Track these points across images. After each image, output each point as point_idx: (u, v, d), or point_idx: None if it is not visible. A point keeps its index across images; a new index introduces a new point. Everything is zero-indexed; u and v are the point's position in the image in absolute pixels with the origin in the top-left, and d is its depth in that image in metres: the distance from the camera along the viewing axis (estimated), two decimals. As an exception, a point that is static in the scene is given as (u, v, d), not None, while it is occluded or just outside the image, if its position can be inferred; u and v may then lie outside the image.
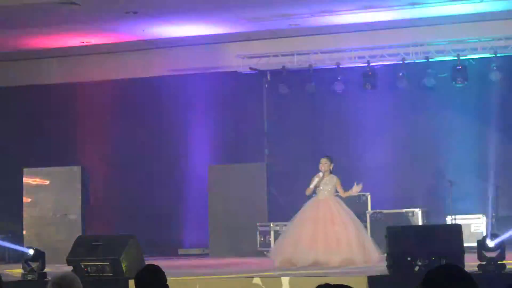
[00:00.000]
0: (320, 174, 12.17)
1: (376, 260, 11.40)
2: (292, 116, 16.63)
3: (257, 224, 15.44)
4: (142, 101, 17.52)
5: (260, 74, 16.58)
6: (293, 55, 16.22)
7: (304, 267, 11.41)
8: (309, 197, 12.29)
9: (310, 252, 11.66)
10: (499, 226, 13.96)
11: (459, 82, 15.47)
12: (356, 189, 12.14)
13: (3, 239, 15.91)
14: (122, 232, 13.37)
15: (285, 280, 9.39)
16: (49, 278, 10.28)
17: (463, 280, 3.51)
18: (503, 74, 15.17)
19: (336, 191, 12.26)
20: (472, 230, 14.13)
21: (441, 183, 15.33)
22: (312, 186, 12.11)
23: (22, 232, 16.07)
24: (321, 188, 12.11)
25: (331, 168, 12.22)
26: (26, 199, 16.27)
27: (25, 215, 16.19)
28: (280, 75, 16.32)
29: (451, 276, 3.51)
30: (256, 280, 9.55)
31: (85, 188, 16.10)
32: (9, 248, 14.93)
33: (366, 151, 16.01)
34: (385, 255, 9.72)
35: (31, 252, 10.62)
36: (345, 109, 16.36)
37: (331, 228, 11.82)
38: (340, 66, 15.99)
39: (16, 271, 11.25)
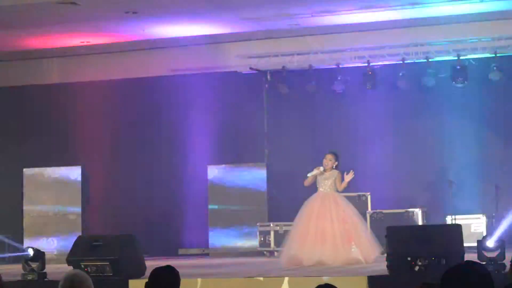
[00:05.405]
0: (321, 168, 12.05)
1: (375, 258, 11.38)
2: (292, 116, 16.62)
3: (257, 224, 15.45)
4: (142, 101, 17.51)
5: (260, 74, 16.58)
6: (293, 55, 16.22)
7: (306, 266, 11.39)
8: (309, 190, 12.19)
9: (316, 251, 11.60)
10: (499, 226, 13.94)
11: (459, 82, 15.47)
12: (348, 177, 11.99)
13: (3, 239, 15.94)
14: (122, 232, 13.36)
15: (285, 280, 9.38)
16: (49, 278, 10.31)
17: (482, 278, 3.52)
18: (503, 74, 15.16)
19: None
20: (472, 230, 14.12)
21: (441, 183, 15.32)
22: (310, 175, 11.98)
23: (22, 232, 16.08)
24: (321, 183, 12.02)
25: (334, 166, 12.10)
26: (26, 199, 16.28)
27: (25, 215, 16.20)
28: (280, 75, 16.32)
29: (469, 275, 3.53)
30: (256, 280, 9.55)
31: (85, 188, 16.11)
32: (9, 248, 14.93)
33: (366, 151, 16.00)
34: (385, 255, 9.72)
35: (31, 252, 10.60)
36: (345, 109, 16.36)
37: (337, 226, 11.74)
38: (340, 66, 16.00)
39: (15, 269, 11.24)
